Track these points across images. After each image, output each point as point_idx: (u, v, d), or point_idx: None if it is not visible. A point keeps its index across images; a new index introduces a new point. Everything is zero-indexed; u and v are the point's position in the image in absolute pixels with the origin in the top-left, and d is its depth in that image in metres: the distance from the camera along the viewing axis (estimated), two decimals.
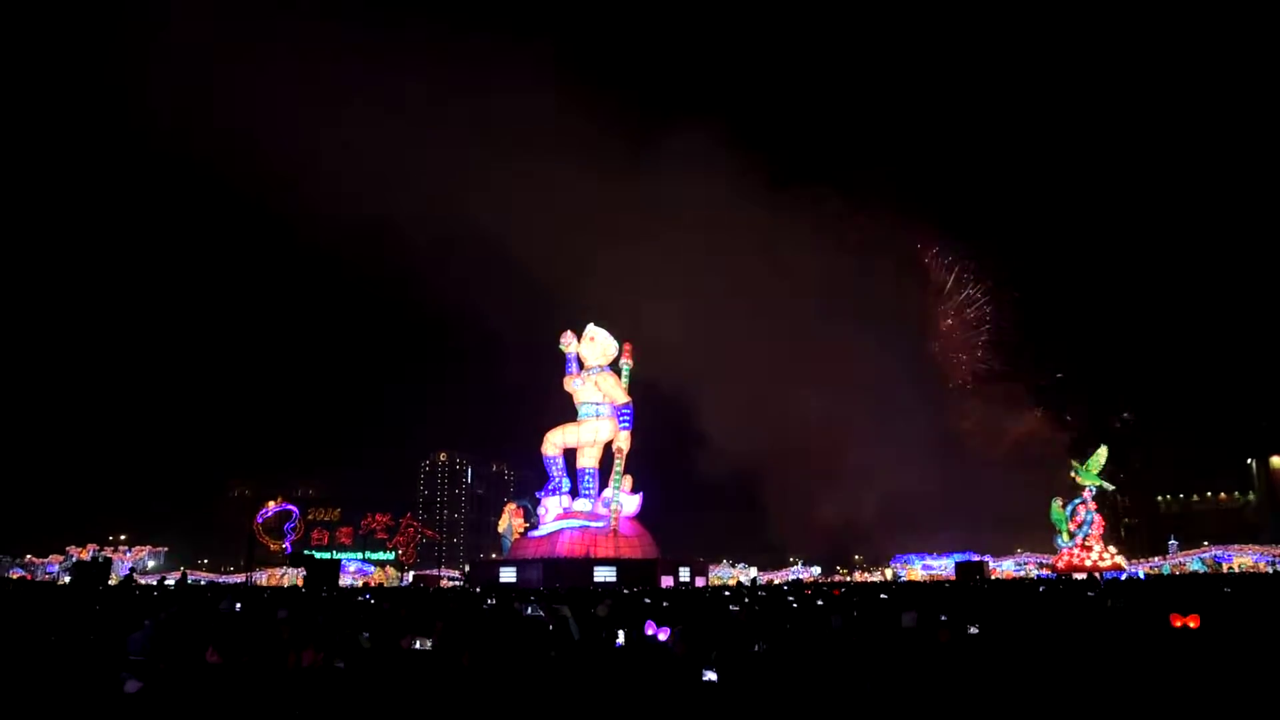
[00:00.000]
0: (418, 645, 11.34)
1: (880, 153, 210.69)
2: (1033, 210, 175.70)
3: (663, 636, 11.85)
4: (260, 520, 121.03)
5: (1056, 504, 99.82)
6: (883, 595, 31.18)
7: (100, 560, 79.39)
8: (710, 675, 8.61)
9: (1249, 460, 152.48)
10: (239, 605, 25.91)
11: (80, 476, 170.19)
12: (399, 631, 12.21)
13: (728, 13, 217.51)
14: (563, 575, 65.14)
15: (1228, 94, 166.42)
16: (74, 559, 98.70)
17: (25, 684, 8.74)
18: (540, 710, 7.99)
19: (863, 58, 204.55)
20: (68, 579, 79.81)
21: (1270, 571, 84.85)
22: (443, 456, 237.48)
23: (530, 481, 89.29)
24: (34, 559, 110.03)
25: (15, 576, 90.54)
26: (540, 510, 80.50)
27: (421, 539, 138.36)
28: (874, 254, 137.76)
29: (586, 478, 78.25)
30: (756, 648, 11.37)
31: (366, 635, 11.88)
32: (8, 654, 10.06)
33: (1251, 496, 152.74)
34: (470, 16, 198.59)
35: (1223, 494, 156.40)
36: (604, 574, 68.30)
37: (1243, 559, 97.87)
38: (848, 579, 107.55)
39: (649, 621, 12.41)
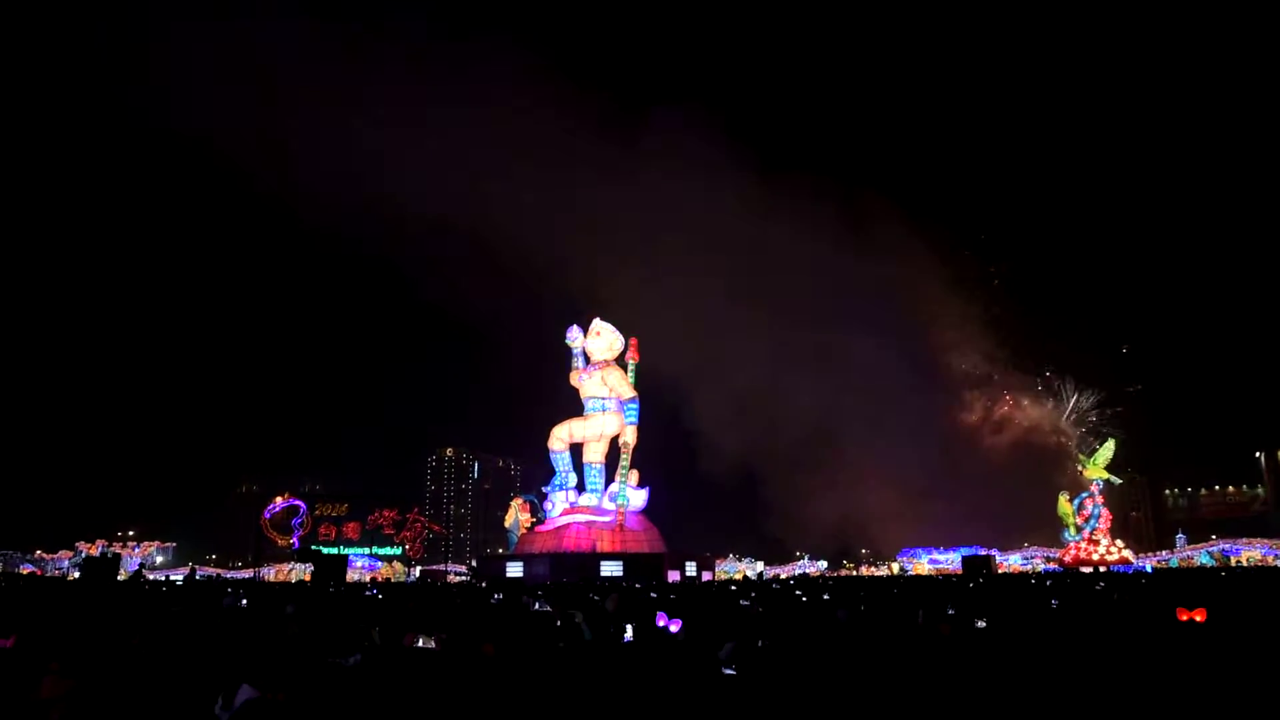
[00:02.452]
0: (420, 644, 11.27)
1: (881, 141, 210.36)
2: (1038, 198, 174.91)
3: (674, 628, 11.90)
4: (268, 516, 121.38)
5: (1063, 498, 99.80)
6: (894, 590, 31.17)
7: (109, 556, 79.85)
8: (729, 671, 8.65)
9: (1257, 454, 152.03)
10: (244, 601, 26.00)
11: (89, 473, 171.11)
12: (406, 627, 12.23)
13: (721, 4, 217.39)
14: (569, 569, 65.23)
15: (1235, 93, 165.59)
16: (83, 554, 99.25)
17: (34, 680, 8.78)
18: (551, 704, 8.01)
19: (859, 42, 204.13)
20: (77, 574, 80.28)
21: (1279, 565, 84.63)
22: (449, 452, 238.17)
23: (537, 476, 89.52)
24: (44, 554, 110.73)
25: (25, 572, 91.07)
26: (547, 505, 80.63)
27: (428, 534, 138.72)
28: (878, 244, 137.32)
29: (593, 472, 78.34)
30: (761, 643, 11.39)
31: (377, 630, 11.92)
32: (20, 650, 10.12)
33: (1260, 490, 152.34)
34: (462, 12, 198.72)
35: (1230, 487, 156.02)
36: (610, 568, 68.39)
37: (1251, 553, 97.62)
38: (854, 573, 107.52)
39: (660, 614, 12.46)
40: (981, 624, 13.29)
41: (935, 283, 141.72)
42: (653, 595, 26.69)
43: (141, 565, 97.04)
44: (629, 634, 12.07)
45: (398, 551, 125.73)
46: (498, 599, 26.45)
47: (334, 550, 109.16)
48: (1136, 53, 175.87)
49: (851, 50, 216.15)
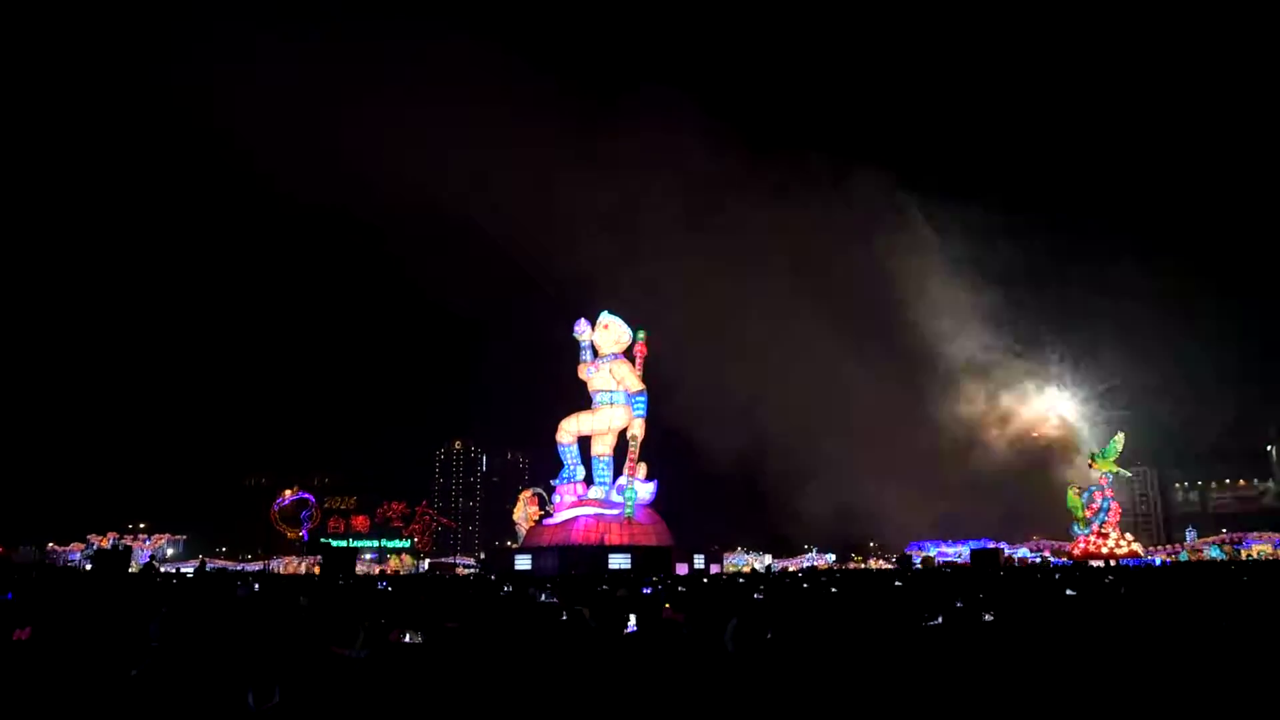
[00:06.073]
0: (407, 639, 11.19)
1: (888, 127, 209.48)
2: (1039, 178, 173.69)
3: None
4: (277, 508, 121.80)
5: (1072, 491, 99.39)
6: (897, 583, 31.17)
7: (121, 548, 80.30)
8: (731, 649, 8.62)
9: (1268, 448, 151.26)
10: (257, 585, 26.13)
11: (101, 466, 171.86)
12: (393, 623, 12.17)
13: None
14: (578, 562, 65.31)
15: (1227, 87, 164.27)
16: (95, 547, 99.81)
17: (47, 672, 8.86)
18: (557, 696, 8.04)
19: (856, 22, 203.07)
20: (89, 567, 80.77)
21: None
22: (458, 445, 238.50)
23: (545, 469, 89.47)
24: (56, 547, 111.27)
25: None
26: (555, 498, 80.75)
27: (437, 527, 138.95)
28: (879, 235, 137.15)
29: (601, 465, 78.40)
30: (769, 635, 11.37)
31: (384, 622, 11.96)
32: (33, 642, 10.19)
33: (1270, 483, 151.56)
34: (458, 7, 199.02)
35: (1240, 481, 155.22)
36: (618, 561, 68.43)
37: (1261, 546, 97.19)
38: (863, 566, 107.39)
39: (666, 607, 12.48)
40: (989, 617, 13.29)
41: (940, 270, 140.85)
42: (659, 587, 26.66)
43: (152, 558, 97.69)
44: (633, 625, 12.09)
45: (407, 544, 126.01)
46: (507, 591, 26.53)
47: (343, 543, 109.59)
48: (1136, 44, 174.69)
49: (851, 31, 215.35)
